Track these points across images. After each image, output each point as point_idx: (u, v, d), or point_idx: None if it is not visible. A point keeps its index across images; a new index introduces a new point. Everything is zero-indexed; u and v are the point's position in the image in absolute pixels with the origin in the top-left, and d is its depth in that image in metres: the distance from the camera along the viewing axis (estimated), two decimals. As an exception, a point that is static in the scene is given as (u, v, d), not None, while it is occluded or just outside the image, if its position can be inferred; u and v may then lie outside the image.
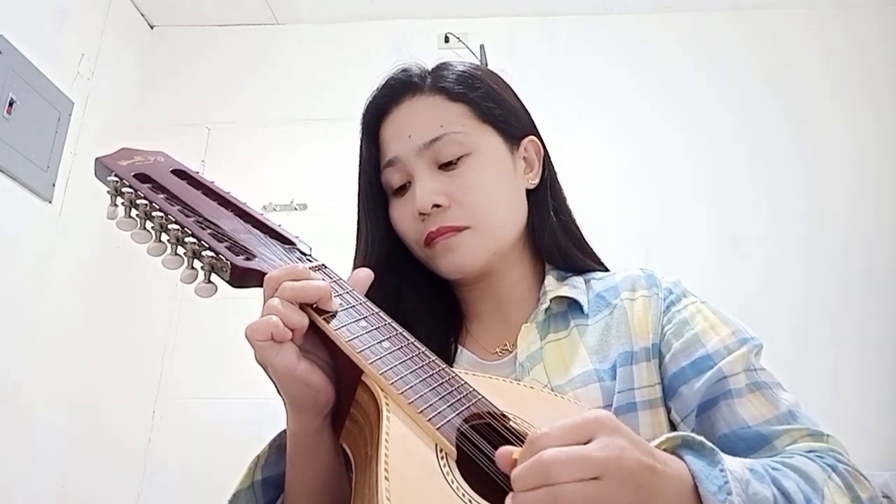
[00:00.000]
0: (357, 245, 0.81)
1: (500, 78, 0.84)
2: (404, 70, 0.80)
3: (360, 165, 0.81)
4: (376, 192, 0.79)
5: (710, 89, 2.45)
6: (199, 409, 2.17)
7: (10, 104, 1.90)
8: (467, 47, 2.45)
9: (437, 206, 0.73)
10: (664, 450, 0.48)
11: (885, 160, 2.32)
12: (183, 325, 2.28)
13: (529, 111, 0.85)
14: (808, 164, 2.33)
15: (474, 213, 0.74)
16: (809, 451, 0.59)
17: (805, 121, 2.38)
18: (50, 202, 2.07)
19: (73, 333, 2.18)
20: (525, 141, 0.82)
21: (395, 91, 0.79)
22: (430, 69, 0.81)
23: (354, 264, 0.79)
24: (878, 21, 2.47)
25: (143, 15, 2.63)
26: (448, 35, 2.51)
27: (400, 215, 0.77)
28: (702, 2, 2.53)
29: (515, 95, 0.84)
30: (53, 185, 2.07)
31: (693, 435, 0.50)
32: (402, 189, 0.77)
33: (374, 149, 0.79)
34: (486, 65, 2.29)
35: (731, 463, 0.49)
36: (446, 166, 0.75)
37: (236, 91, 2.57)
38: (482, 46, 2.39)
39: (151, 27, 2.68)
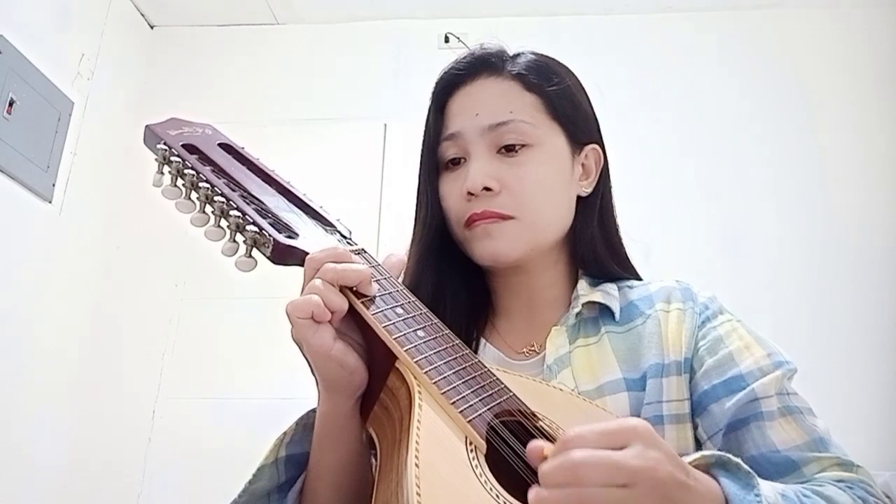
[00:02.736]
0: (416, 216, 0.80)
1: (578, 79, 0.83)
2: (486, 47, 0.80)
3: (424, 134, 0.80)
4: (436, 162, 0.79)
5: (712, 89, 2.45)
6: (199, 409, 2.16)
7: (10, 104, 1.90)
8: (467, 47, 2.43)
9: (487, 189, 0.72)
10: (697, 467, 0.48)
11: (891, 160, 2.31)
12: (183, 325, 2.27)
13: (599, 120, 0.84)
14: (812, 163, 2.33)
15: (522, 204, 0.73)
16: (839, 481, 0.58)
17: (809, 120, 2.37)
18: (50, 202, 2.07)
19: (72, 333, 2.18)
20: (588, 148, 0.81)
21: (473, 67, 0.79)
22: (511, 54, 0.80)
23: (413, 235, 0.79)
24: (885, 20, 2.46)
25: (143, 15, 2.63)
26: (448, 35, 2.51)
27: (448, 190, 0.76)
28: (702, 2, 2.53)
29: (589, 100, 0.83)
30: (53, 185, 2.07)
31: (729, 456, 0.49)
32: (456, 164, 0.77)
33: (441, 118, 0.78)
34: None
35: (764, 488, 0.48)
36: (506, 153, 0.74)
37: (236, 91, 2.57)
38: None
39: (151, 27, 2.67)
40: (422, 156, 0.80)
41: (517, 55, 0.80)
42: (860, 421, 1.94)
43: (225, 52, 2.64)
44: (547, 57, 0.81)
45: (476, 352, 0.75)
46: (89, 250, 2.26)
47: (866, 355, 2.10)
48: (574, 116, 0.79)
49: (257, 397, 2.05)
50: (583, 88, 0.83)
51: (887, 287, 2.18)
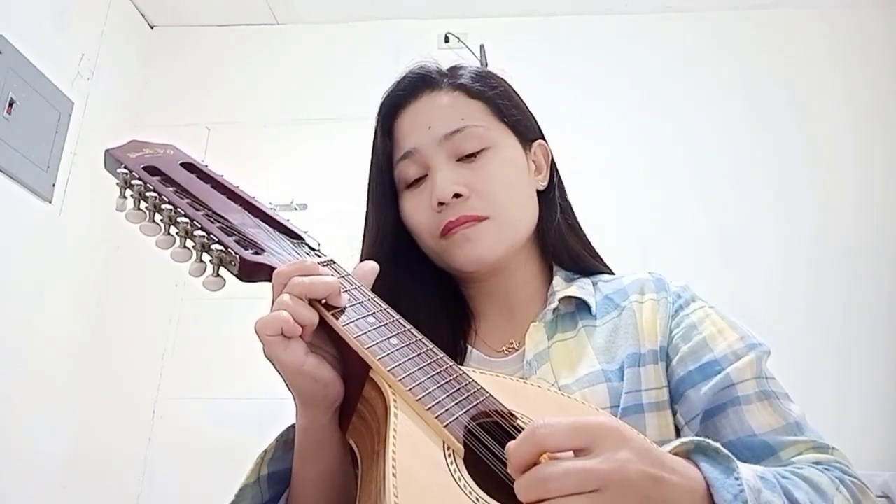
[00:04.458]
0: (364, 239, 0.81)
1: (509, 83, 0.85)
2: (422, 66, 0.81)
3: (372, 159, 0.81)
4: (388, 185, 0.79)
5: (711, 89, 2.45)
6: (199, 409, 2.16)
7: (10, 104, 1.90)
8: (467, 47, 2.45)
9: (457, 195, 0.73)
10: (678, 453, 0.48)
11: (890, 159, 2.31)
12: (183, 325, 2.28)
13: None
14: (811, 163, 2.33)
15: (494, 204, 0.75)
16: (816, 463, 0.59)
17: (807, 120, 2.37)
18: (50, 202, 2.07)
19: (73, 333, 2.18)
20: (535, 144, 0.83)
21: (414, 85, 0.80)
22: (447, 68, 0.82)
23: (361, 259, 0.79)
24: (882, 20, 2.47)
25: (143, 15, 2.63)
26: (448, 35, 2.51)
27: (413, 206, 0.77)
28: (702, 2, 2.53)
29: (523, 101, 0.86)
30: (53, 185, 2.07)
31: (708, 441, 0.49)
32: (417, 182, 0.77)
33: (389, 141, 0.80)
34: (486, 65, 2.29)
35: (744, 471, 0.49)
36: (465, 159, 0.76)
37: (236, 91, 2.57)
38: (482, 46, 2.39)
39: (151, 27, 2.68)
40: (371, 181, 0.81)
41: (452, 69, 0.82)
42: (860, 421, 1.94)
43: (225, 52, 2.64)
44: (480, 67, 0.84)
45: (463, 357, 0.76)
46: (89, 250, 2.26)
47: (865, 354, 2.10)
48: (519, 116, 0.81)
49: (257, 397, 2.05)
50: (516, 91, 0.86)
51: (886, 286, 2.18)
